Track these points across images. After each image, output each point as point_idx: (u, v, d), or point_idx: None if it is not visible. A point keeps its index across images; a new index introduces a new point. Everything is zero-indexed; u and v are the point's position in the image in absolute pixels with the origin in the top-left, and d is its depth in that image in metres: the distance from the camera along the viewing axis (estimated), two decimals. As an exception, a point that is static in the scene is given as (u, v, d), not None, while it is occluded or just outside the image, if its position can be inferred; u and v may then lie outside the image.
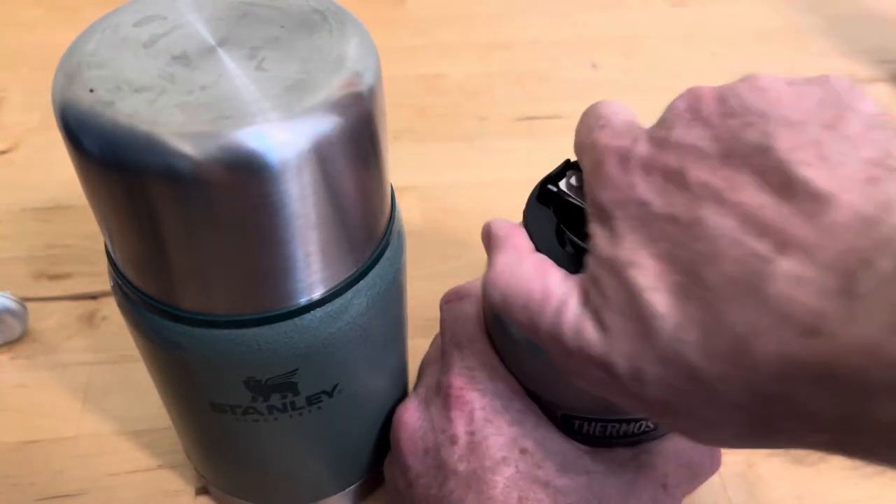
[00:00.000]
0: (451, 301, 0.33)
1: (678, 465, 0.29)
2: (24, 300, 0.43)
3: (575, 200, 0.27)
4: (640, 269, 0.21)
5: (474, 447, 0.28)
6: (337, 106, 0.21)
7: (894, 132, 0.21)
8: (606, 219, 0.23)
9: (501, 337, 0.29)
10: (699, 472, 0.30)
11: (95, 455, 0.38)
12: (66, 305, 0.45)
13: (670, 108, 0.24)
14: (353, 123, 0.21)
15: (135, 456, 0.38)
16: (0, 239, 0.49)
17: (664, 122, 0.24)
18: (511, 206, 0.51)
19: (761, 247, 0.19)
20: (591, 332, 0.22)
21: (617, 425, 0.29)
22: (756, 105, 0.22)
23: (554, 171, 0.28)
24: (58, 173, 0.50)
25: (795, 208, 0.19)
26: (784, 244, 0.19)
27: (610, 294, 0.22)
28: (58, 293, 0.46)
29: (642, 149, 0.23)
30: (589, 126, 0.26)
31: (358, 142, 0.22)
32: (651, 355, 0.21)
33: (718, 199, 0.20)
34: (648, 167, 0.23)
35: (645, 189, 0.22)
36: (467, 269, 0.45)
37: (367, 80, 0.22)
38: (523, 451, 0.28)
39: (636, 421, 0.29)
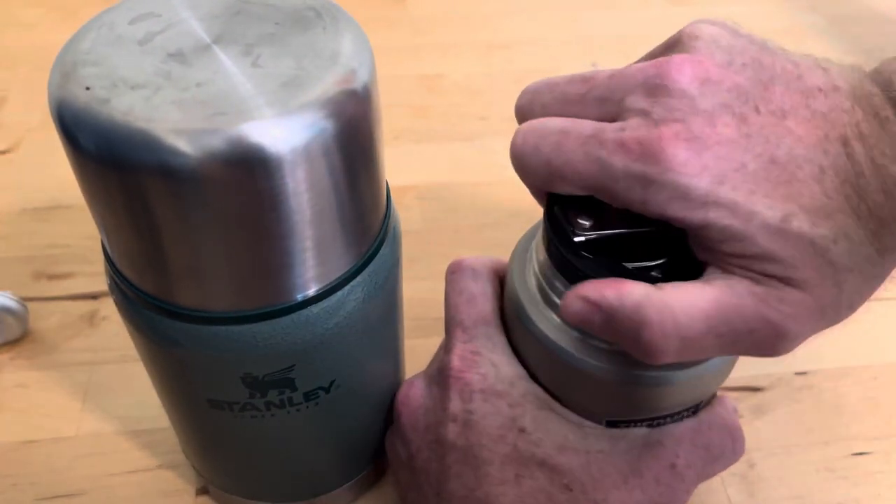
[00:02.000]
0: (455, 272, 0.32)
1: (693, 446, 0.28)
2: (24, 300, 0.43)
3: (580, 237, 0.26)
4: (793, 215, 0.22)
5: (472, 425, 0.28)
6: (332, 102, 0.21)
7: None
8: (716, 203, 0.23)
9: (528, 344, 0.29)
10: (718, 455, 0.29)
11: (95, 455, 0.38)
12: (66, 305, 0.45)
13: (674, 81, 0.23)
14: (348, 119, 0.21)
15: (135, 456, 0.38)
16: (0, 239, 0.49)
17: (683, 94, 0.23)
18: (511, 206, 0.51)
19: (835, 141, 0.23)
20: (793, 296, 0.23)
21: (662, 421, 0.29)
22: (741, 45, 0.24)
23: (557, 230, 0.26)
24: (58, 173, 0.50)
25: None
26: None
27: (789, 253, 0.23)
28: (58, 293, 0.46)
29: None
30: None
31: (353, 138, 0.22)
32: (842, 279, 0.23)
33: (782, 125, 0.23)
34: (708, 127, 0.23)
35: (726, 143, 0.23)
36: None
37: (362, 77, 0.22)
38: (521, 431, 0.28)
39: (678, 413, 0.29)
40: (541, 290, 0.28)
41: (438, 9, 0.72)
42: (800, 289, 0.23)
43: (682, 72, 0.23)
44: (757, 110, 0.23)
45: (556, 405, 0.29)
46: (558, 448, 0.28)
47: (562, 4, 0.74)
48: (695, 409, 0.29)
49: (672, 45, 0.25)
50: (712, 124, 0.22)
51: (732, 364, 0.28)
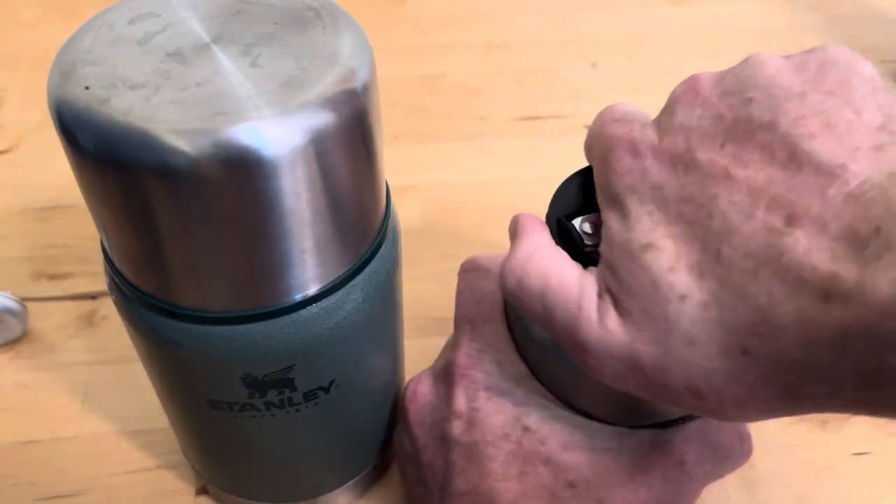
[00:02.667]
0: (468, 271, 0.33)
1: (702, 445, 0.28)
2: (24, 300, 0.43)
3: (589, 248, 0.26)
4: (657, 250, 0.21)
5: (476, 422, 0.28)
6: (331, 102, 0.21)
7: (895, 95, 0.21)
8: (619, 204, 0.23)
9: (528, 344, 0.29)
10: (727, 456, 0.29)
11: (95, 455, 0.38)
12: (66, 305, 0.45)
13: (671, 95, 0.24)
14: (348, 119, 0.21)
15: (135, 456, 0.38)
16: (0, 239, 0.49)
17: (666, 109, 0.24)
18: (511, 205, 0.51)
19: (773, 220, 0.20)
20: (612, 319, 0.22)
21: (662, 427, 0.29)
22: (754, 80, 0.22)
23: (564, 206, 0.27)
24: (58, 173, 0.50)
25: (803, 180, 0.20)
26: (795, 216, 0.19)
27: (627, 278, 0.22)
28: (58, 293, 0.46)
29: (649, 134, 0.23)
30: (602, 122, 0.26)
31: (352, 138, 0.22)
32: (676, 338, 0.21)
33: (727, 176, 0.21)
34: (657, 152, 0.23)
35: (657, 172, 0.22)
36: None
37: (362, 77, 0.22)
38: (526, 429, 0.28)
39: (680, 419, 0.28)
40: None
41: (438, 9, 0.72)
42: (619, 314, 0.22)
43: (677, 90, 0.24)
44: (718, 147, 0.22)
45: (557, 404, 0.29)
46: (563, 446, 0.28)
47: (562, 4, 0.74)
48: (698, 417, 0.29)
49: None
50: (661, 140, 0.23)
51: None
